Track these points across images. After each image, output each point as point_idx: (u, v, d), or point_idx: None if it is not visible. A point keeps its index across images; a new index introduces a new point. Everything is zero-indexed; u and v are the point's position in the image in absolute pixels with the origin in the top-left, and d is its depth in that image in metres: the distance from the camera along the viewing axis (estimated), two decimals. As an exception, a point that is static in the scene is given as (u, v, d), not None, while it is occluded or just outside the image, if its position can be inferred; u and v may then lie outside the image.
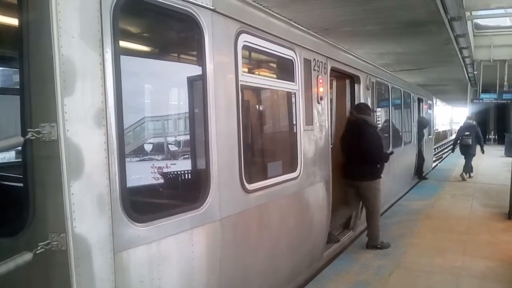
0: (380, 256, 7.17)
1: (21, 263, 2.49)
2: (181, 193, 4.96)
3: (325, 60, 6.44)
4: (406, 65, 14.81)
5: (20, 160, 2.94)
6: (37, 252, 2.59)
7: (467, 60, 17.16)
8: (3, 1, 3.94)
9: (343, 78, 8.19)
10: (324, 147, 6.45)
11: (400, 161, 11.84)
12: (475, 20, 18.28)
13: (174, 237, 3.44)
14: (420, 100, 15.41)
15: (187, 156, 4.65)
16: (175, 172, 5.22)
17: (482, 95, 24.18)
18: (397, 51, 12.34)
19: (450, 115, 68.18)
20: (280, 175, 5.30)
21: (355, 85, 8.28)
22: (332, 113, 8.09)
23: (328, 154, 6.61)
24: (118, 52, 2.97)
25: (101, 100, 2.86)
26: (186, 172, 5.02)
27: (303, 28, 6.16)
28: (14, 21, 2.99)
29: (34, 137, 2.60)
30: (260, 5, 5.59)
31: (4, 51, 5.29)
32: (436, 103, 23.88)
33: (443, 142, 37.31)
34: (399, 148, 11.90)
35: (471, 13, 13.74)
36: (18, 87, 2.85)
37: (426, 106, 16.82)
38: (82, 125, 2.77)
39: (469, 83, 25.18)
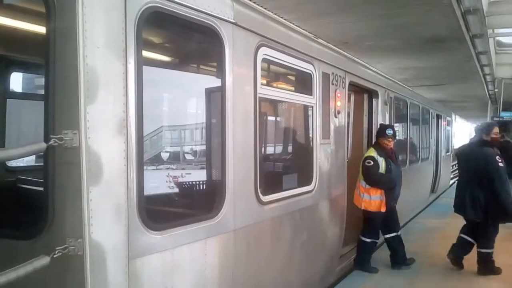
0: (394, 275, 7.08)
1: (38, 267, 2.53)
2: (196, 202, 4.99)
3: (344, 75, 6.46)
4: (426, 80, 14.71)
5: (41, 164, 3.00)
6: (54, 256, 2.63)
7: (488, 78, 17.00)
8: (32, 9, 4.07)
9: (361, 93, 8.19)
10: (341, 161, 6.44)
11: (416, 177, 11.72)
12: (497, 38, 18.11)
13: (188, 246, 3.46)
14: (439, 117, 15.28)
15: (203, 166, 4.68)
16: (190, 182, 5.26)
17: (503, 113, 23.80)
18: (417, 66, 12.28)
19: (469, 132, 67.29)
20: (295, 187, 5.30)
21: (373, 99, 8.26)
22: (349, 127, 8.08)
23: (344, 168, 6.60)
24: (141, 63, 3.04)
25: (123, 109, 2.91)
26: (201, 182, 5.06)
27: (322, 42, 6.19)
28: (41, 29, 3.07)
29: (56, 144, 2.66)
30: (281, 17, 5.64)
31: (30, 58, 5.43)
32: (455, 120, 23.59)
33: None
34: (416, 164, 11.80)
35: (493, 31, 13.62)
36: (42, 93, 2.93)
37: (445, 123, 16.66)
38: (103, 133, 2.83)
39: (489, 101, 24.88)
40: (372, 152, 6.98)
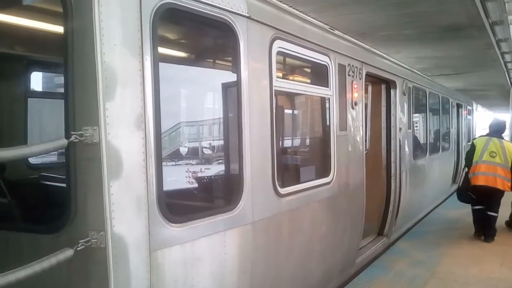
0: (415, 265, 7.06)
1: (62, 259, 2.61)
2: (215, 196, 5.05)
3: (360, 65, 6.42)
4: (445, 69, 14.42)
5: (63, 161, 3.08)
6: (77, 248, 2.71)
7: (510, 65, 16.60)
8: (49, 10, 4.15)
9: (379, 83, 8.13)
10: (358, 153, 6.42)
11: (437, 168, 11.60)
12: (518, 24, 17.73)
13: (207, 238, 3.52)
14: (459, 106, 15.06)
15: (221, 160, 4.74)
16: (209, 176, 5.32)
17: (525, 101, 23.32)
18: (436, 56, 12.04)
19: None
20: (313, 179, 5.31)
21: (391, 90, 8.20)
22: (367, 118, 8.04)
23: (362, 159, 6.57)
24: (157, 59, 3.09)
25: (140, 105, 2.98)
26: (220, 175, 5.11)
27: (338, 34, 6.17)
28: (59, 29, 3.14)
29: (77, 140, 2.74)
30: (297, 10, 5.63)
31: (49, 57, 5.54)
32: (476, 109, 23.20)
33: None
34: (436, 154, 11.67)
35: (514, 17, 13.32)
36: (62, 91, 3.00)
37: (465, 112, 16.41)
38: (122, 128, 2.89)
39: (511, 89, 24.40)
40: None
